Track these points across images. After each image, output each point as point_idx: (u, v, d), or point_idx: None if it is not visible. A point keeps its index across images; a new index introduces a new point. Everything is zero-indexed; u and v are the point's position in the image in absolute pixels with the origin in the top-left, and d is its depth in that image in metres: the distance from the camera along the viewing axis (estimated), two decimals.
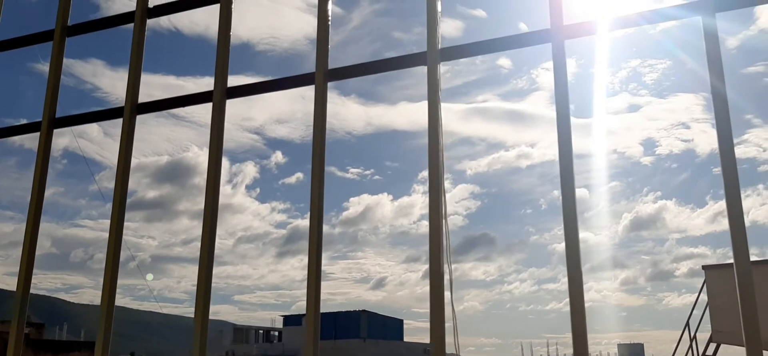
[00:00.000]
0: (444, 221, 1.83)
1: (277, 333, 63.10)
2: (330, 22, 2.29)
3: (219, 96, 2.33)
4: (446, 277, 1.88)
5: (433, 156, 1.97)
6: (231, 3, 2.44)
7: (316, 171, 2.07)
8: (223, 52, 2.39)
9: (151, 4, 2.72)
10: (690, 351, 15.43)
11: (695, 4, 1.76)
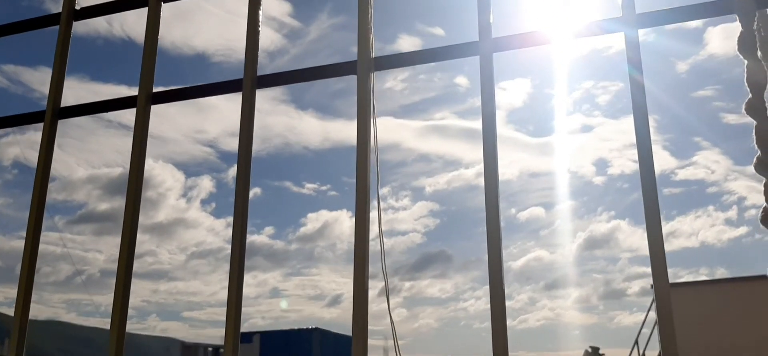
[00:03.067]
0: (379, 231, 1.78)
1: None
2: (259, 29, 2.24)
3: (143, 102, 2.25)
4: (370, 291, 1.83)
5: (362, 166, 1.93)
6: (159, 7, 2.36)
7: (241, 180, 2.00)
8: (149, 56, 2.30)
9: (78, 6, 2.63)
10: None
11: (619, 20, 1.78)
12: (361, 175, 1.90)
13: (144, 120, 2.27)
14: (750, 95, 1.12)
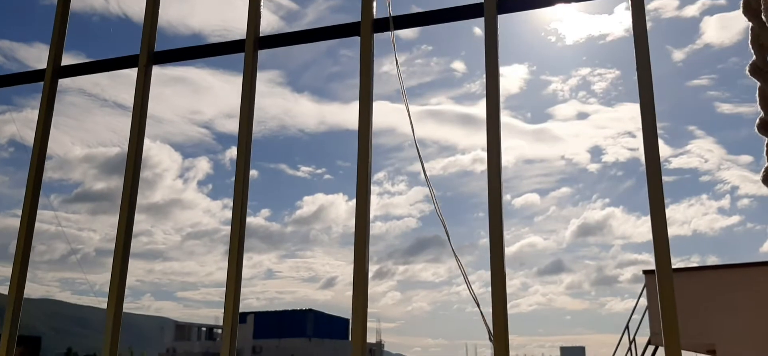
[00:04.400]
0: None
1: (220, 331, 62.26)
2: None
3: (145, 60, 2.20)
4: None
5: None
6: None
7: (243, 142, 1.96)
8: (151, 11, 2.26)
9: None
10: (629, 353, 15.82)
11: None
12: (363, 131, 1.87)
13: (145, 81, 2.23)
14: (754, 57, 1.13)
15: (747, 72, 1.05)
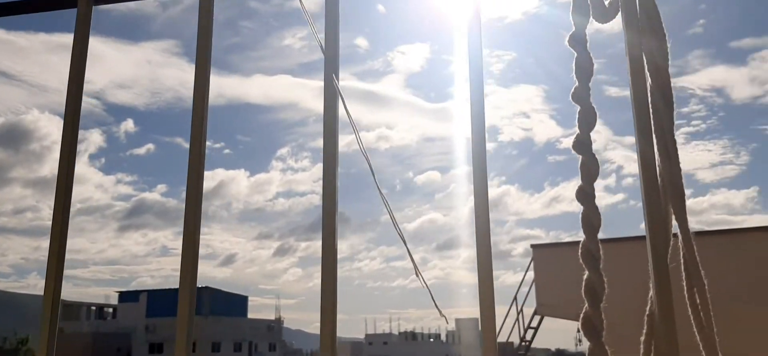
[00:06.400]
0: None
1: (111, 310, 60.04)
2: None
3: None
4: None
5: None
6: None
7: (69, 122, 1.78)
8: None
9: None
10: (517, 323, 16.59)
11: None
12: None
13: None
14: (577, 84, 1.07)
15: (570, 98, 1.09)
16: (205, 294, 55.69)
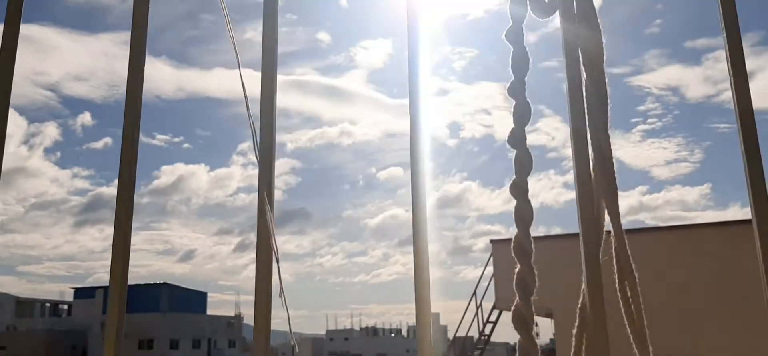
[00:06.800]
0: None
1: (66, 307, 58.72)
2: None
3: None
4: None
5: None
6: None
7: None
8: None
9: None
10: (476, 317, 16.76)
11: None
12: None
13: None
14: (513, 78, 1.13)
15: (506, 92, 1.09)
16: (163, 291, 54.89)
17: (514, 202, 0.97)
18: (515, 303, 0.88)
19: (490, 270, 15.89)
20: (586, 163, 1.02)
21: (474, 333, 17.20)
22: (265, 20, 1.16)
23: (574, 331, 0.98)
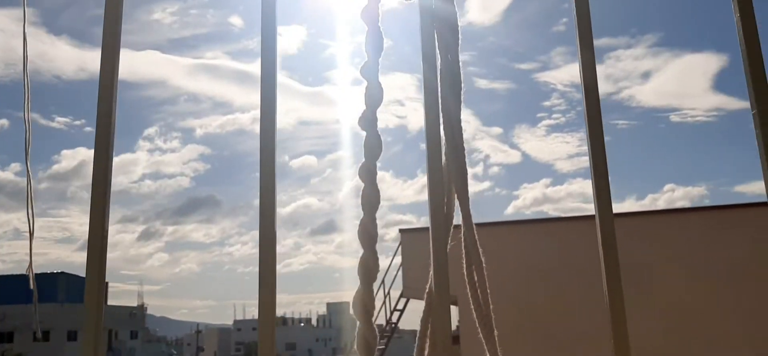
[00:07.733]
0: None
1: None
2: None
3: None
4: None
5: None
6: None
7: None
8: None
9: None
10: (384, 305, 16.90)
11: None
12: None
13: None
14: (367, 58, 1.03)
15: (359, 73, 1.05)
16: (60, 280, 52.39)
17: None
18: (357, 290, 0.87)
19: (398, 259, 16.05)
20: (438, 150, 1.02)
21: (382, 321, 17.36)
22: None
23: (421, 317, 0.98)
